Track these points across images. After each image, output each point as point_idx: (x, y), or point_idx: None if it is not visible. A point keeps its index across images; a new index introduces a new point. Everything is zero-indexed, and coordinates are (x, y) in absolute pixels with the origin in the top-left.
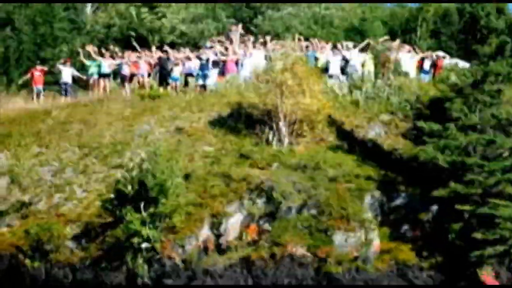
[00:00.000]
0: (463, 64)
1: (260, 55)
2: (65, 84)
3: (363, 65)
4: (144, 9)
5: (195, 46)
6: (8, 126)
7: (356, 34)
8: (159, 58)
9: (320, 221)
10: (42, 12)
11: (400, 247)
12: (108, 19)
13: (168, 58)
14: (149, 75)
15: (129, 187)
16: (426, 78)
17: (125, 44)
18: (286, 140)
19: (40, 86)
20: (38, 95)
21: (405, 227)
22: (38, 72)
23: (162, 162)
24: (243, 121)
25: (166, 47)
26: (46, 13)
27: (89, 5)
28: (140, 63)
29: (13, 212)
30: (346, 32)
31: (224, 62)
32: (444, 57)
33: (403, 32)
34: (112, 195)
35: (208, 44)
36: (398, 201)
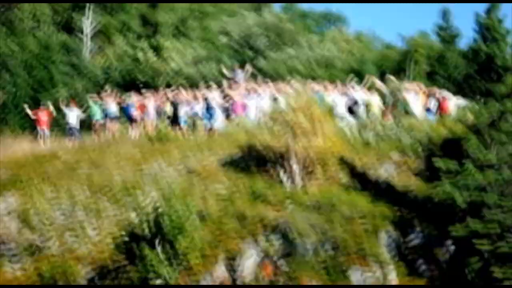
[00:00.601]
0: (467, 103)
1: (267, 96)
2: (71, 127)
3: (369, 105)
4: (150, 51)
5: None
6: (16, 169)
7: (355, 75)
8: (172, 101)
9: (337, 260)
10: (39, 55)
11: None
12: (108, 62)
13: (181, 100)
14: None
15: (146, 230)
16: (431, 117)
17: (126, 88)
18: (299, 180)
19: (46, 128)
20: (43, 137)
21: (422, 266)
22: (44, 115)
23: (177, 202)
24: (255, 161)
25: (180, 89)
26: (43, 57)
27: (87, 48)
28: (148, 105)
29: (25, 255)
30: (346, 73)
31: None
32: (447, 97)
33: (394, 73)
34: (125, 236)
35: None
36: (414, 240)
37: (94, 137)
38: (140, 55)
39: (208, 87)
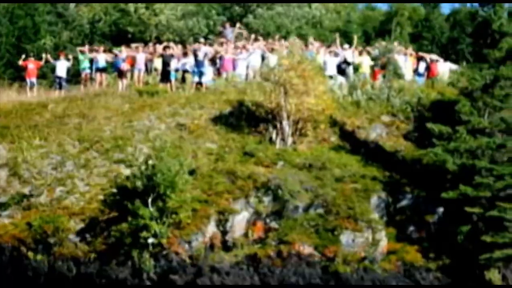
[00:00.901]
0: (456, 68)
1: (257, 54)
2: (59, 78)
3: (359, 67)
4: (142, 5)
5: (182, 43)
6: (4, 118)
7: (341, 35)
8: (162, 55)
9: (327, 221)
10: (22, 4)
11: (406, 248)
12: (93, 14)
13: (172, 55)
14: (146, 70)
15: (139, 182)
16: (420, 80)
17: (113, 40)
18: (289, 139)
19: (34, 79)
20: (31, 87)
21: (411, 228)
22: (31, 65)
23: (169, 158)
24: (245, 119)
25: (170, 44)
26: (27, 5)
27: None
28: (137, 57)
29: (14, 204)
30: (332, 32)
31: (219, 59)
32: (437, 61)
33: (377, 35)
34: (114, 190)
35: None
36: (404, 203)
37: (82, 88)
38: (131, 6)
39: (197, 42)
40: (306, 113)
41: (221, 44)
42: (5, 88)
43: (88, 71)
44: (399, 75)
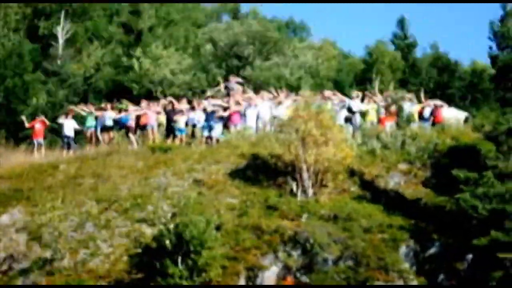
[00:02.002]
0: (461, 113)
1: (265, 105)
2: (67, 137)
3: (366, 115)
4: (147, 60)
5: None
6: (16, 181)
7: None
8: (165, 110)
9: (358, 273)
10: (9, 64)
11: None
12: (84, 70)
13: (173, 110)
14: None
15: (167, 241)
16: (426, 125)
17: (108, 96)
18: (310, 191)
19: (41, 139)
20: (39, 148)
21: (442, 276)
22: (38, 125)
23: (194, 214)
24: (263, 172)
25: (170, 98)
26: (14, 65)
27: (61, 55)
28: (149, 114)
29: (36, 269)
30: (328, 81)
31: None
32: (442, 106)
33: (359, 82)
34: (139, 250)
35: (206, 96)
36: (432, 251)
37: (89, 147)
38: (135, 63)
39: (201, 96)
40: (326, 164)
41: (228, 97)
42: (9, 150)
43: (93, 129)
44: (410, 122)
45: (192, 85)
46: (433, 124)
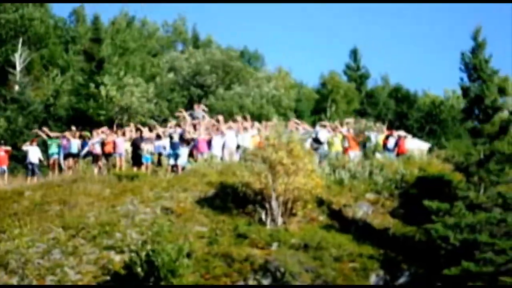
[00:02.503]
0: (423, 144)
1: (231, 134)
2: (32, 164)
3: (330, 145)
4: (112, 87)
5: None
6: None
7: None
8: (134, 138)
9: None
10: None
11: None
12: (43, 97)
13: (141, 138)
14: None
15: (139, 268)
16: (391, 156)
17: (69, 123)
18: (279, 219)
19: (5, 166)
20: (2, 175)
21: None
22: (2, 152)
23: (165, 242)
24: (231, 200)
25: (139, 126)
26: None
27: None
28: (117, 142)
29: None
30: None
31: (191, 141)
32: (405, 137)
33: (313, 112)
34: (108, 277)
35: (170, 124)
36: (402, 280)
37: (52, 174)
38: (102, 90)
39: (169, 125)
40: (296, 193)
41: (194, 125)
42: None
43: (56, 156)
44: (375, 152)
45: (154, 113)
46: (397, 154)
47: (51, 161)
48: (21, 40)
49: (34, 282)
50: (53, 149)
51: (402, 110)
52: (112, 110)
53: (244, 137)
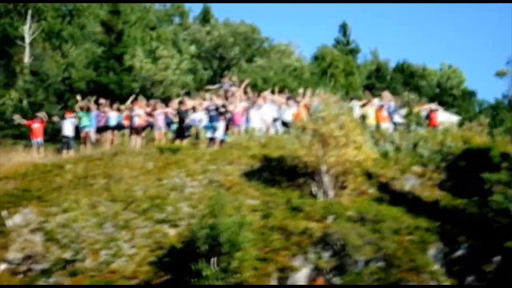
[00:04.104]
0: (452, 117)
1: (269, 107)
2: (67, 137)
3: (365, 117)
4: (147, 60)
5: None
6: (21, 181)
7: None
8: (179, 111)
9: (390, 274)
10: None
11: None
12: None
13: (186, 111)
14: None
15: (201, 242)
16: (421, 129)
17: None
18: (331, 192)
19: (40, 139)
20: (38, 148)
21: (471, 278)
22: (37, 124)
23: (225, 216)
24: (280, 173)
25: (184, 99)
26: None
27: (28, 55)
28: (156, 115)
29: (57, 270)
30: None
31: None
32: (437, 110)
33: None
34: (164, 251)
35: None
36: (460, 252)
37: (84, 147)
38: (136, 62)
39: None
40: (347, 166)
41: (226, 97)
42: (8, 149)
43: (87, 129)
44: (420, 125)
45: (191, 86)
46: (428, 127)
47: (82, 134)
48: (30, 12)
49: (89, 257)
50: (85, 122)
51: (414, 83)
52: (145, 83)
53: (285, 110)
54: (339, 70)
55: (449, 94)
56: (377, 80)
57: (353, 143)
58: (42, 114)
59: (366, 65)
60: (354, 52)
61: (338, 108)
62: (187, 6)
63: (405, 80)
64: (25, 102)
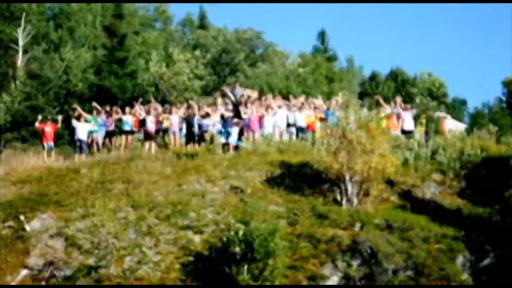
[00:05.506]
0: (459, 124)
1: (282, 113)
2: (80, 141)
3: None
4: (163, 64)
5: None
6: (37, 185)
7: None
8: (187, 116)
9: (419, 282)
10: None
11: None
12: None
13: (194, 115)
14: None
15: (237, 249)
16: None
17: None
18: (355, 200)
19: (52, 143)
20: (49, 152)
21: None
22: (49, 128)
23: (256, 222)
24: (301, 180)
25: (192, 103)
26: None
27: (21, 59)
28: (172, 119)
29: (82, 277)
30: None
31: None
32: (445, 118)
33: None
34: (191, 257)
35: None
36: (487, 261)
37: (97, 151)
38: (151, 66)
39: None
40: (372, 173)
41: (243, 104)
42: (18, 153)
43: (95, 134)
44: (437, 132)
45: (207, 90)
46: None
47: (89, 139)
48: (24, 15)
49: (113, 263)
50: (93, 126)
51: (406, 91)
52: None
53: (297, 115)
54: (323, 77)
55: (440, 102)
56: (370, 87)
57: (379, 150)
58: (60, 117)
59: (343, 73)
60: (331, 59)
61: (365, 114)
62: (171, 11)
63: (397, 87)
64: (20, 106)
